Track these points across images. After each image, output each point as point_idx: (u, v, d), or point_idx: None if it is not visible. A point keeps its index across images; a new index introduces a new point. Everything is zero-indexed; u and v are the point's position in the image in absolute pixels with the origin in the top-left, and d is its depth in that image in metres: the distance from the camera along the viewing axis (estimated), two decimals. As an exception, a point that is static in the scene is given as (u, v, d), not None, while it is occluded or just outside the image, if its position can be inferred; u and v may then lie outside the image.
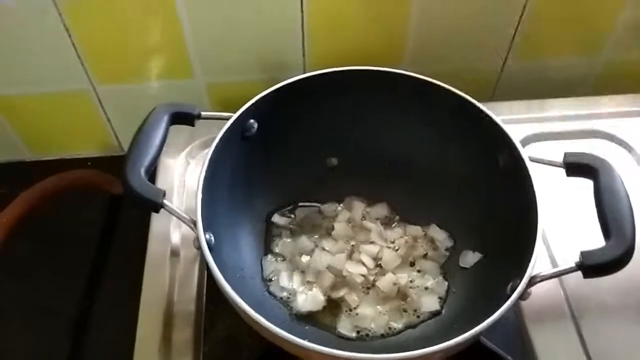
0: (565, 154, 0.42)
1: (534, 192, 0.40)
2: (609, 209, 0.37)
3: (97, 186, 0.78)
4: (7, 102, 0.72)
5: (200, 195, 0.40)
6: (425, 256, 0.49)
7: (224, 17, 0.63)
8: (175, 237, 0.54)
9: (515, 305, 0.47)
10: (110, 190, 0.78)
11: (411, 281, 0.47)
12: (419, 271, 0.48)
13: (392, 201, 0.52)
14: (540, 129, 0.62)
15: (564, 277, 0.48)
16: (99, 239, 0.73)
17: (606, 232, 0.37)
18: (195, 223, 0.39)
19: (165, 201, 0.40)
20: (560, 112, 0.65)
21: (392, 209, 0.52)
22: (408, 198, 0.51)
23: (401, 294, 0.46)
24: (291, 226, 0.51)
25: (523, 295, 0.37)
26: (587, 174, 0.40)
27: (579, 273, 0.36)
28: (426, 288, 0.47)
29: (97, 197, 0.76)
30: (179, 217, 0.40)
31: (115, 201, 0.78)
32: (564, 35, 0.71)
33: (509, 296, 0.36)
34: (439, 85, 0.48)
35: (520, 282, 0.36)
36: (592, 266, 0.36)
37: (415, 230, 0.50)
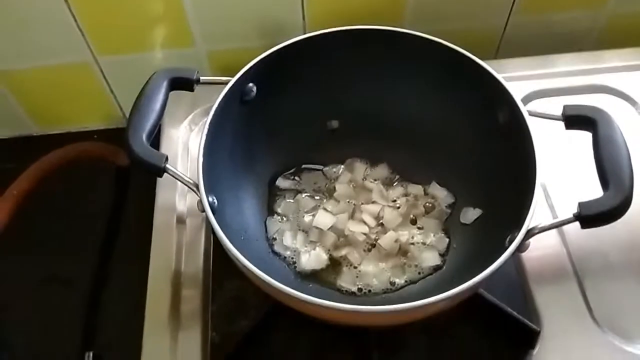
0: (564, 107, 0.42)
1: (532, 146, 0.40)
2: (607, 160, 0.37)
3: (103, 158, 0.79)
4: (11, 77, 0.73)
5: (201, 159, 0.41)
6: (426, 214, 0.49)
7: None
8: (181, 206, 0.55)
9: (518, 261, 0.48)
10: (116, 162, 0.79)
11: (412, 238, 0.47)
12: (420, 228, 0.48)
13: (392, 161, 0.52)
14: (544, 85, 0.62)
15: (566, 233, 0.49)
16: (108, 210, 0.74)
17: (604, 182, 0.37)
18: (197, 186, 0.40)
19: (168, 165, 0.40)
20: (564, 68, 0.64)
21: (392, 169, 0.52)
22: (409, 158, 0.51)
23: (402, 251, 0.47)
24: (295, 187, 0.51)
25: (521, 247, 0.38)
26: (585, 125, 0.40)
27: (581, 229, 0.37)
28: (427, 244, 0.47)
29: (104, 168, 0.78)
30: (182, 181, 0.41)
31: (121, 172, 0.79)
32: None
33: (507, 248, 0.36)
34: (438, 42, 0.48)
35: (518, 234, 0.36)
36: (590, 216, 0.36)
37: (416, 188, 0.51)
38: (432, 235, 0.48)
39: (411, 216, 0.49)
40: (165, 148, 0.58)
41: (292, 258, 0.47)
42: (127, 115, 0.79)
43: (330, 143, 0.53)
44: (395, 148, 0.52)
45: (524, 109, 0.42)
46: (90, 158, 0.79)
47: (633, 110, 0.60)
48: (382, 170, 0.51)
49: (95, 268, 0.68)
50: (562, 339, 0.45)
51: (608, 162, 0.37)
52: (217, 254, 0.50)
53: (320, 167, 0.53)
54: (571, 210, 0.37)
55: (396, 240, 0.47)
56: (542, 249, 0.49)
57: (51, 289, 0.66)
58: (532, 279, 0.47)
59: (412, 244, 0.47)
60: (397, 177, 0.51)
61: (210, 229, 0.51)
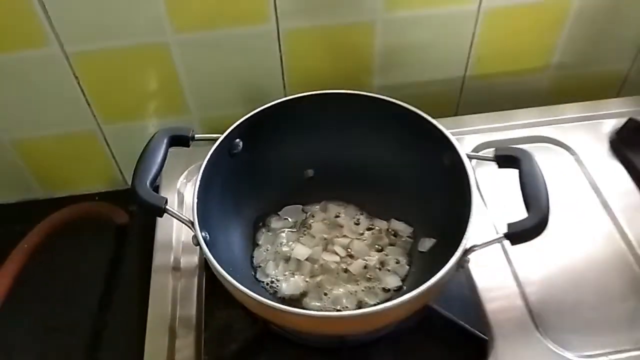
0: (495, 149, 0.51)
1: (469, 183, 0.48)
2: (529, 189, 0.46)
3: (104, 217, 0.87)
4: (22, 144, 0.80)
5: (195, 201, 0.49)
6: (390, 245, 0.57)
7: (215, 62, 0.74)
8: (176, 254, 0.62)
9: (470, 281, 0.55)
10: (116, 220, 0.86)
11: (378, 264, 0.55)
12: (386, 255, 0.56)
13: (360, 201, 0.61)
14: (495, 137, 0.71)
15: (509, 251, 0.57)
16: (108, 264, 0.81)
17: (527, 207, 0.45)
18: (192, 223, 0.48)
19: (167, 207, 0.48)
20: (512, 122, 0.74)
21: (360, 208, 0.60)
22: (373, 198, 0.60)
23: (369, 276, 0.54)
24: (286, 227, 0.59)
25: (461, 263, 0.45)
26: (512, 163, 0.49)
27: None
28: (390, 270, 0.55)
29: (105, 226, 0.85)
30: (179, 219, 0.48)
31: (120, 230, 0.86)
32: (512, 59, 0.82)
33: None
34: (396, 103, 0.57)
35: (456, 252, 0.44)
36: (516, 234, 0.44)
37: (380, 223, 0.59)
38: (394, 262, 0.55)
39: (377, 246, 0.57)
40: (164, 194, 0.66)
41: (274, 284, 0.54)
42: (127, 178, 0.88)
43: (307, 189, 0.61)
44: (362, 190, 0.60)
45: (463, 154, 0.51)
46: (92, 216, 0.86)
47: (569, 155, 0.69)
48: (352, 210, 0.60)
49: (95, 317, 0.73)
50: (511, 350, 0.52)
51: (529, 191, 0.46)
52: (208, 289, 0.57)
53: (300, 206, 0.61)
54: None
55: (365, 267, 0.54)
56: (490, 267, 0.57)
57: (54, 336, 0.70)
58: (483, 295, 0.55)
59: (378, 269, 0.55)
60: (364, 214, 0.60)
61: (202, 269, 0.59)
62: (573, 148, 0.70)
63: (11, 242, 0.77)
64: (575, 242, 0.60)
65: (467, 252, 0.45)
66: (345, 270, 0.55)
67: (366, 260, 0.55)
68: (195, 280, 0.59)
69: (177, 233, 0.62)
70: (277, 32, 0.72)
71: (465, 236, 0.45)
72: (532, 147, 0.70)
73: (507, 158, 0.49)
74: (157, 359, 0.52)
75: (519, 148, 0.50)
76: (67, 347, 0.70)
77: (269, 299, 0.52)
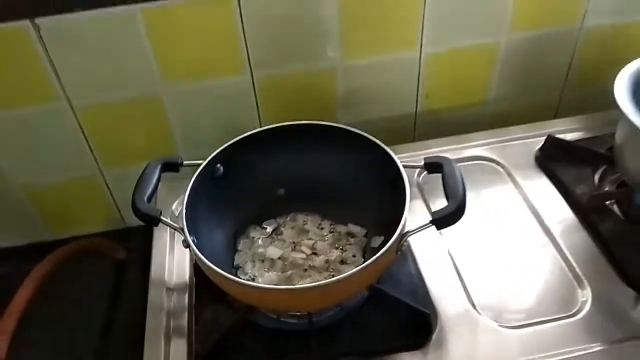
0: (424, 159, 0.63)
1: (404, 185, 0.60)
2: (449, 185, 0.58)
3: (104, 252, 0.96)
4: (31, 189, 0.91)
5: (184, 212, 0.60)
6: (348, 243, 0.68)
7: (200, 107, 0.86)
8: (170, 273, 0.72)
9: (416, 265, 0.66)
10: (115, 256, 0.96)
11: (341, 260, 0.67)
12: (343, 251, 0.67)
13: (323, 211, 0.73)
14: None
15: (446, 237, 0.69)
16: (109, 295, 0.90)
17: (447, 199, 0.57)
18: (182, 229, 0.59)
19: (161, 217, 0.60)
20: (458, 145, 0.86)
21: (323, 216, 0.72)
22: (334, 208, 0.71)
23: (331, 269, 0.65)
24: (262, 235, 0.71)
25: (399, 247, 0.56)
26: (437, 168, 0.61)
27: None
28: (347, 263, 0.66)
29: (105, 261, 0.94)
30: (171, 226, 0.59)
31: (119, 264, 0.96)
32: (455, 95, 0.96)
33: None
34: (348, 129, 0.69)
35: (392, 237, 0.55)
36: (438, 219, 0.56)
37: (340, 227, 0.70)
38: (351, 256, 0.66)
39: (337, 245, 0.68)
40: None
41: (252, 280, 0.64)
42: (125, 218, 0.98)
43: (279, 203, 0.73)
44: (325, 202, 0.72)
45: (400, 165, 0.63)
46: (94, 251, 0.96)
47: (502, 171, 0.82)
48: (316, 218, 0.71)
49: (97, 342, 0.81)
50: (451, 322, 0.62)
51: (449, 187, 0.58)
52: (197, 295, 0.67)
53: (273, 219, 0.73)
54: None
55: (326, 261, 0.65)
56: (434, 259, 0.69)
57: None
58: (428, 281, 0.66)
59: (339, 262, 0.66)
60: (327, 221, 0.71)
61: (191, 287, 0.69)
62: (505, 164, 0.82)
63: (21, 281, 0.86)
64: (505, 236, 0.72)
65: (402, 237, 0.56)
66: (311, 266, 0.65)
67: (328, 256, 0.66)
68: (186, 296, 0.69)
69: (170, 263, 0.73)
70: (251, 81, 0.86)
71: (400, 225, 0.56)
72: (472, 165, 0.83)
73: (433, 164, 0.62)
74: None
75: (443, 156, 0.62)
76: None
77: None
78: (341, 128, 0.69)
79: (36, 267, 0.86)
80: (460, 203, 0.56)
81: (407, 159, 0.66)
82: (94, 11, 0.75)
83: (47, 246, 0.93)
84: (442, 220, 0.56)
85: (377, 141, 0.67)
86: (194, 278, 0.68)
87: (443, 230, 0.68)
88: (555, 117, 1.01)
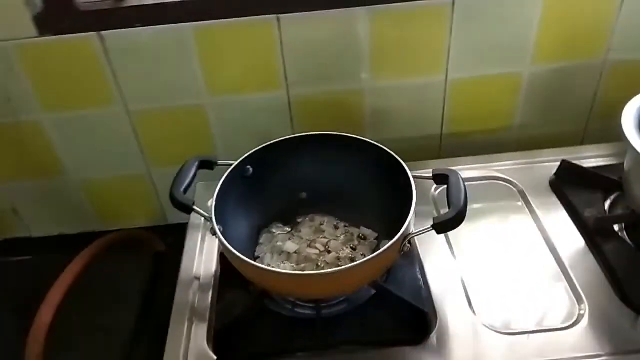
0: (433, 170, 0.69)
1: (412, 193, 0.66)
2: (452, 194, 0.63)
3: (145, 243, 1.05)
4: (87, 184, 1.02)
5: (214, 203, 0.68)
6: (360, 244, 0.75)
7: (239, 121, 0.95)
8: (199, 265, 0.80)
9: (422, 268, 0.71)
10: (155, 248, 1.05)
11: (351, 258, 0.72)
12: (354, 250, 0.73)
13: (339, 214, 0.79)
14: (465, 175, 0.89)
15: (454, 244, 0.74)
16: (148, 284, 0.98)
17: (449, 206, 0.63)
18: (211, 219, 0.66)
19: (194, 207, 0.68)
20: (473, 165, 0.91)
21: (339, 219, 0.79)
22: (350, 212, 0.78)
23: (340, 265, 0.71)
24: (282, 232, 0.77)
25: (402, 248, 0.62)
26: (444, 179, 0.66)
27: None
28: (356, 261, 0.71)
29: (147, 252, 1.03)
30: (202, 215, 0.67)
31: (159, 257, 1.04)
32: (480, 121, 1.01)
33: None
34: (367, 141, 0.76)
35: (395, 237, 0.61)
36: (439, 224, 0.61)
37: (353, 229, 0.77)
38: (360, 256, 0.72)
39: (350, 245, 0.74)
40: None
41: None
42: (168, 215, 1.07)
43: (301, 205, 0.80)
44: (342, 206, 0.78)
45: (411, 175, 0.69)
46: (136, 242, 1.06)
47: (516, 192, 0.86)
48: (332, 220, 0.78)
49: (136, 319, 0.89)
50: (450, 324, 0.66)
51: (452, 196, 0.63)
52: (221, 281, 0.75)
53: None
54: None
55: (337, 258, 0.71)
56: (440, 263, 0.73)
57: (98, 336, 0.87)
58: (432, 283, 0.71)
59: (350, 260, 0.72)
60: (342, 223, 0.78)
61: (217, 278, 0.76)
62: (520, 186, 0.86)
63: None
64: (512, 250, 0.76)
65: (405, 238, 0.62)
66: (323, 261, 0.72)
67: (339, 254, 0.72)
68: (212, 281, 0.76)
69: (200, 253, 0.80)
70: (287, 97, 0.94)
71: (403, 227, 0.62)
72: (488, 184, 0.88)
73: (441, 176, 0.67)
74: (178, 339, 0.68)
75: (450, 169, 0.67)
76: (110, 345, 0.86)
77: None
78: (359, 139, 0.76)
79: (85, 250, 0.95)
80: (460, 210, 0.61)
81: (425, 173, 0.71)
82: (152, 28, 0.85)
83: (98, 236, 1.00)
84: (442, 225, 0.61)
85: (392, 152, 0.73)
86: (220, 266, 0.76)
87: (453, 239, 0.74)
88: (582, 143, 1.04)
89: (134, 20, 0.85)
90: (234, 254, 0.61)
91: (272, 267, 0.71)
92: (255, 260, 0.72)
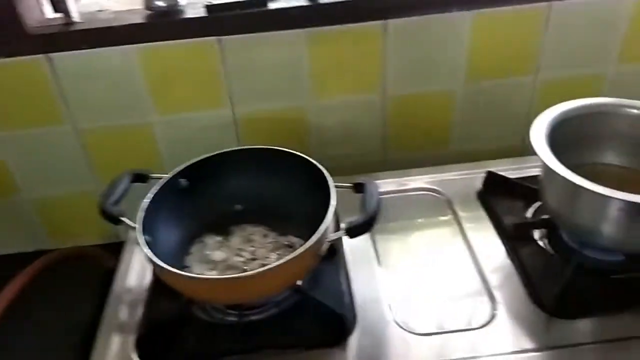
0: (354, 182, 0.72)
1: (330, 202, 0.69)
2: (365, 201, 0.67)
3: (94, 259, 1.06)
4: (38, 202, 1.04)
5: (141, 214, 0.70)
6: (286, 252, 0.77)
7: (186, 137, 0.98)
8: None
9: (345, 271, 0.75)
10: (105, 265, 1.06)
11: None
12: (279, 258, 0.75)
13: (272, 224, 0.81)
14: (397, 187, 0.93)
15: (381, 254, 0.77)
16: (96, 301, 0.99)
17: (361, 211, 0.66)
18: (136, 228, 0.69)
19: (122, 217, 0.70)
20: (405, 177, 0.95)
21: (271, 228, 0.81)
22: (280, 221, 0.80)
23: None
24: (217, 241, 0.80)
25: (317, 251, 0.65)
26: (361, 188, 0.70)
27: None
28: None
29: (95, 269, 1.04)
30: (129, 226, 0.70)
31: (110, 273, 1.05)
32: (416, 138, 1.05)
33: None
34: (294, 154, 0.78)
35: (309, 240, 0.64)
36: (350, 228, 0.64)
37: (281, 238, 0.79)
38: (285, 262, 0.75)
39: (278, 252, 0.76)
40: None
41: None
42: (120, 233, 1.09)
43: (235, 216, 0.82)
44: (273, 216, 0.81)
45: (332, 185, 0.72)
46: (84, 258, 1.06)
47: (444, 202, 0.90)
48: (262, 229, 0.81)
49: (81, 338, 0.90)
50: (369, 328, 0.69)
51: (365, 202, 0.67)
52: (153, 290, 0.77)
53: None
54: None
55: (262, 265, 0.74)
56: (363, 264, 0.76)
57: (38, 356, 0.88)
58: (355, 288, 0.74)
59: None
60: (272, 232, 0.80)
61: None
62: (449, 196, 0.90)
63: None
64: (434, 256, 0.79)
65: (319, 242, 0.65)
66: (248, 269, 0.74)
67: (264, 261, 0.74)
68: (144, 292, 0.78)
69: (135, 265, 0.83)
70: (232, 115, 0.98)
71: (317, 232, 0.64)
72: (417, 194, 0.91)
73: (359, 185, 0.71)
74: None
75: (368, 179, 0.71)
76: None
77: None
78: (290, 153, 0.79)
79: (26, 268, 0.97)
80: (370, 216, 0.64)
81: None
82: (99, 49, 0.89)
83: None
84: (353, 229, 0.64)
85: (317, 164, 0.76)
86: (153, 277, 0.78)
87: (381, 247, 0.77)
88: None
89: (81, 42, 0.89)
90: (153, 261, 0.63)
91: (199, 274, 0.74)
92: (184, 269, 0.75)
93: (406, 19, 0.90)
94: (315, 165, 0.76)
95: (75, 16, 0.91)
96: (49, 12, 0.93)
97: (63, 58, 0.90)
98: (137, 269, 0.82)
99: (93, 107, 0.95)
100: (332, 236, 0.66)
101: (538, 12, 0.93)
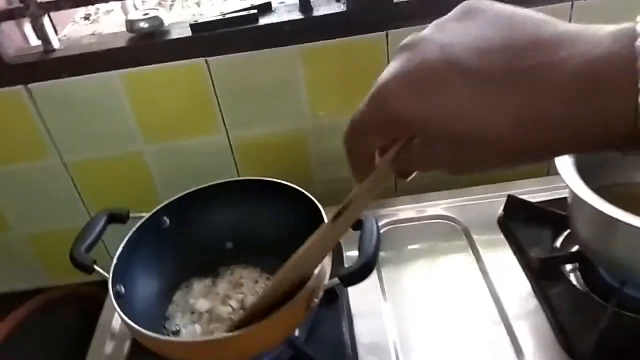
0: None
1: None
2: (363, 241, 0.58)
3: (94, 298, 1.01)
4: (32, 238, 0.99)
5: (115, 262, 0.63)
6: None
7: (180, 166, 0.92)
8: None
9: (350, 323, 0.66)
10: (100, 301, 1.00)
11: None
12: None
13: (265, 263, 0.73)
14: (404, 216, 0.83)
15: (389, 298, 0.68)
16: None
17: (359, 255, 0.57)
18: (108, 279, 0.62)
19: (95, 266, 0.63)
20: (417, 203, 0.85)
21: (264, 268, 0.73)
22: (274, 260, 0.70)
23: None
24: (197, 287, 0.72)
25: (309, 303, 0.56)
26: (359, 226, 0.61)
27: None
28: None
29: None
30: (102, 276, 0.63)
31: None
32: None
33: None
34: (286, 184, 0.70)
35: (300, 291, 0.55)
36: (345, 276, 0.55)
37: None
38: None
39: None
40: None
41: (177, 332, 0.66)
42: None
43: (225, 256, 0.74)
44: (267, 255, 0.72)
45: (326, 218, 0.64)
46: (84, 296, 1.01)
47: (461, 231, 0.80)
48: (253, 272, 0.72)
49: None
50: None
51: (363, 243, 0.58)
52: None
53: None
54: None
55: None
56: (369, 311, 0.67)
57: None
58: (360, 338, 0.64)
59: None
60: (265, 275, 0.72)
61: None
62: (466, 224, 0.80)
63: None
64: (451, 300, 0.69)
65: (312, 293, 0.56)
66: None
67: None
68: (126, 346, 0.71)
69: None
70: (228, 140, 0.90)
71: (310, 281, 0.56)
72: (431, 223, 0.81)
73: (355, 222, 0.62)
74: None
75: (367, 215, 0.62)
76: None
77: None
78: (282, 184, 0.71)
79: (18, 309, 0.92)
80: (368, 260, 0.55)
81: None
82: (80, 77, 0.83)
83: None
84: (348, 277, 0.55)
85: (311, 196, 0.68)
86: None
87: (387, 282, 0.68)
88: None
89: (61, 70, 0.84)
90: (123, 320, 0.56)
91: (180, 327, 0.66)
92: (165, 321, 0.67)
93: (407, 28, 0.81)
94: (309, 199, 0.68)
95: (55, 43, 0.85)
96: (32, 40, 0.88)
97: (43, 88, 0.84)
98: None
99: (78, 139, 0.89)
100: (326, 285, 0.57)
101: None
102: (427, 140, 0.33)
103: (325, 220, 0.61)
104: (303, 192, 0.69)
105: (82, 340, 0.89)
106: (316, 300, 0.57)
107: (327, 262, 0.58)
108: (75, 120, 0.86)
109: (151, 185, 0.94)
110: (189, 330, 0.65)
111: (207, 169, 0.92)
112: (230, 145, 0.92)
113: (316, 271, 0.56)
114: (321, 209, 0.65)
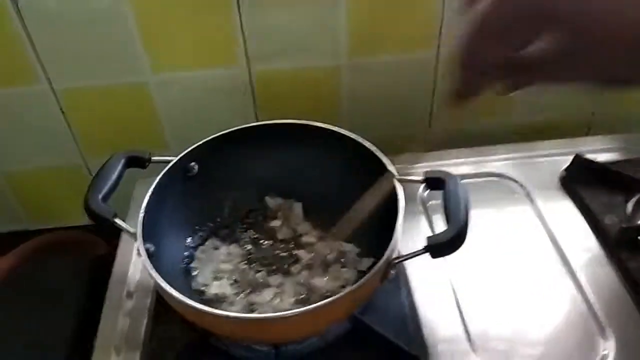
0: (425, 172, 0.54)
1: (397, 201, 0.51)
2: (449, 206, 0.49)
3: (82, 245, 0.90)
4: (12, 176, 0.86)
5: (142, 215, 0.52)
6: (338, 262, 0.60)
7: (191, 103, 0.79)
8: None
9: (409, 296, 0.58)
10: (95, 252, 0.89)
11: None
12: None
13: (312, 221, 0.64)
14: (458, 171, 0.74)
15: (450, 267, 0.60)
16: (85, 294, 0.83)
17: (447, 221, 0.48)
18: (136, 235, 0.51)
19: (115, 219, 0.52)
20: (472, 158, 0.77)
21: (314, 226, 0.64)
22: (324, 219, 0.62)
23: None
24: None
25: (386, 275, 0.47)
26: (438, 184, 0.52)
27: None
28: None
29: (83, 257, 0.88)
30: (125, 231, 0.52)
31: (100, 262, 0.89)
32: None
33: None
34: (342, 133, 0.61)
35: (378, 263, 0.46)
36: (434, 246, 0.46)
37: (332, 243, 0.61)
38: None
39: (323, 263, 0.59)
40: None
41: (204, 289, 0.57)
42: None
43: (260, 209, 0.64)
44: (312, 212, 0.63)
45: (396, 179, 0.54)
46: (70, 245, 0.90)
47: (521, 191, 0.72)
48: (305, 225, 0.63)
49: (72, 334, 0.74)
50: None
51: (449, 209, 0.48)
52: (158, 303, 0.60)
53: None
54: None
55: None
56: (429, 280, 0.60)
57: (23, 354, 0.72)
58: (422, 315, 0.56)
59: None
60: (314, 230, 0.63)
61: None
62: (526, 184, 0.72)
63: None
64: (517, 267, 0.62)
65: (389, 264, 0.47)
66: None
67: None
68: (147, 304, 0.61)
69: (135, 267, 0.65)
70: (248, 75, 0.78)
71: (388, 249, 0.47)
72: (488, 181, 0.73)
73: (434, 180, 0.52)
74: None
75: (445, 171, 0.53)
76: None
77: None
78: (333, 131, 0.61)
79: (7, 255, 0.80)
80: (460, 229, 0.46)
81: (414, 170, 0.55)
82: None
83: (30, 235, 0.87)
84: (438, 247, 0.46)
85: (374, 150, 0.58)
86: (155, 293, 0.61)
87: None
88: (587, 134, 0.90)
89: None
90: (161, 287, 0.46)
91: (207, 286, 0.56)
92: (190, 278, 0.57)
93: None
94: (368, 151, 0.58)
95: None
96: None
97: (31, -1, 0.68)
98: (138, 264, 0.64)
99: (72, 62, 0.75)
100: (405, 256, 0.48)
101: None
102: (574, 38, 0.30)
103: (397, 184, 0.52)
104: (354, 140, 0.59)
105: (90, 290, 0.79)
106: (393, 272, 0.48)
107: (398, 232, 0.49)
108: (68, 39, 0.72)
109: (155, 124, 0.82)
110: (213, 290, 0.55)
111: (221, 110, 0.81)
112: (251, 81, 0.79)
113: (391, 244, 0.47)
114: (387, 163, 0.55)
